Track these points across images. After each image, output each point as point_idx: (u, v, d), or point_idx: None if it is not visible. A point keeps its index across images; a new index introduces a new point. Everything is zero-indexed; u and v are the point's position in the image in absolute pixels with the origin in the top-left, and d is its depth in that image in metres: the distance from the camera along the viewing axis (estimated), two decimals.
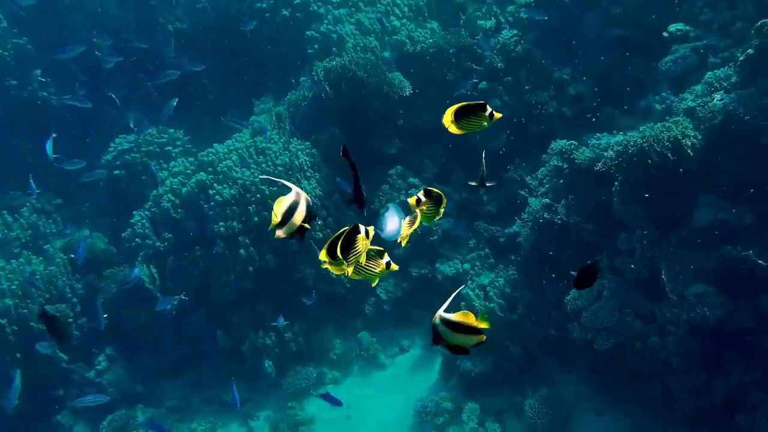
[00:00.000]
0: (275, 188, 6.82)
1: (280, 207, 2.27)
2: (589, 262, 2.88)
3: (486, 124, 2.48)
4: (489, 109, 2.46)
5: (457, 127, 2.48)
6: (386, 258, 2.35)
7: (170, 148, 8.36)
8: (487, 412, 6.05)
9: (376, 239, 2.42)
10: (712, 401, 5.14)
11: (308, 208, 2.33)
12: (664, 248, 5.36)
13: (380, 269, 2.34)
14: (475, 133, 7.50)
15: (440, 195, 2.47)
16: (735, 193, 5.23)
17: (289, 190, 2.34)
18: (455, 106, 2.47)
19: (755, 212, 5.12)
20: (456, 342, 2.26)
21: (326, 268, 2.27)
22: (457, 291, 2.51)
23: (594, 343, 5.47)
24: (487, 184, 3.48)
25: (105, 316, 6.62)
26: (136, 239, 7.32)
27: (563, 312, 5.87)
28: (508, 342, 6.09)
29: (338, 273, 2.29)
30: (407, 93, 7.32)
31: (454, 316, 2.24)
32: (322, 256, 2.25)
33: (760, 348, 5.05)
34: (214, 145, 7.48)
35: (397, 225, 2.37)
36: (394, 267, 2.37)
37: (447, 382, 6.48)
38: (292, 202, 2.30)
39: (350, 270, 2.26)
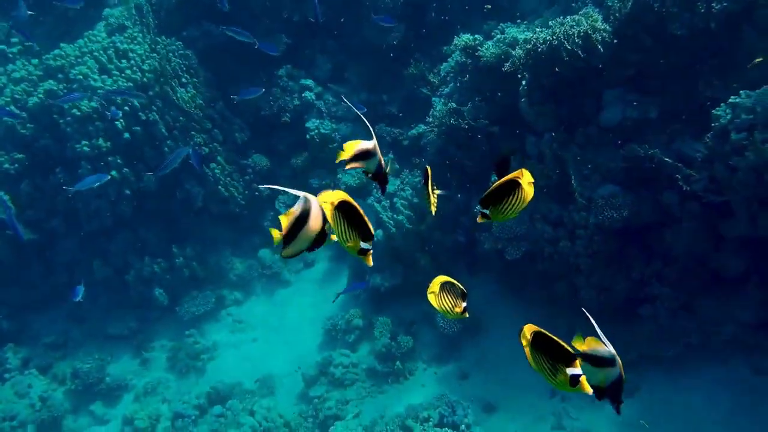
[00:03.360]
0: (144, 99, 5.81)
1: (354, 147, 2.09)
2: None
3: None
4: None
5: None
6: (465, 304, 2.27)
7: (4, 47, 6.90)
8: (398, 325, 5.91)
9: None
10: (616, 296, 5.27)
11: (379, 167, 2.13)
12: (573, 150, 5.21)
13: (457, 310, 2.28)
14: (371, 29, 6.82)
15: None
16: (641, 87, 5.08)
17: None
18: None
19: (659, 104, 5.03)
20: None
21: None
22: None
23: (505, 253, 5.37)
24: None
25: None
26: None
27: (472, 219, 5.69)
28: (418, 253, 5.87)
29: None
30: None
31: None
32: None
33: (661, 241, 5.16)
34: (62, 45, 6.23)
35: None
36: (465, 316, 2.30)
37: (357, 297, 6.23)
38: (366, 149, 2.10)
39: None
